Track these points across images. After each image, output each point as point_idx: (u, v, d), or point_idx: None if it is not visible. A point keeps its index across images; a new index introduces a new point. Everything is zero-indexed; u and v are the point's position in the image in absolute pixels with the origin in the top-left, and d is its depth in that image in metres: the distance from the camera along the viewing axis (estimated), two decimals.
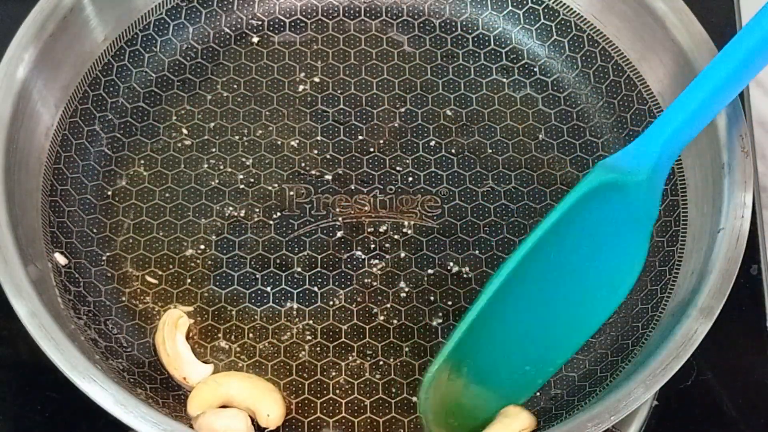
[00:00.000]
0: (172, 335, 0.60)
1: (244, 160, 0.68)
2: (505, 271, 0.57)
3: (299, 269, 0.64)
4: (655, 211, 0.61)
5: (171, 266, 0.64)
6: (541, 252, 0.57)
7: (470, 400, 0.59)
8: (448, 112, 0.69)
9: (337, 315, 0.63)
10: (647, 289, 0.63)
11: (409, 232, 0.65)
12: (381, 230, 0.65)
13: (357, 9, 0.73)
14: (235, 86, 0.70)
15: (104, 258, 0.64)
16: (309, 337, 0.62)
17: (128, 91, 0.69)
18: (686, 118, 0.57)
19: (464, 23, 0.73)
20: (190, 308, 0.62)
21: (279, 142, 0.68)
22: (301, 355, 0.62)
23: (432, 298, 0.64)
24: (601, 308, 0.62)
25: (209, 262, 0.64)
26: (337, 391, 0.61)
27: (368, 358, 0.62)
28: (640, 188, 0.58)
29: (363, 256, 0.65)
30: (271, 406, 0.58)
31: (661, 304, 0.61)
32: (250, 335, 0.62)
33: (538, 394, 0.61)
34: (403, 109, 0.70)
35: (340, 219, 0.66)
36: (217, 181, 0.67)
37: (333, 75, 0.71)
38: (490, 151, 0.68)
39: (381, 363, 0.62)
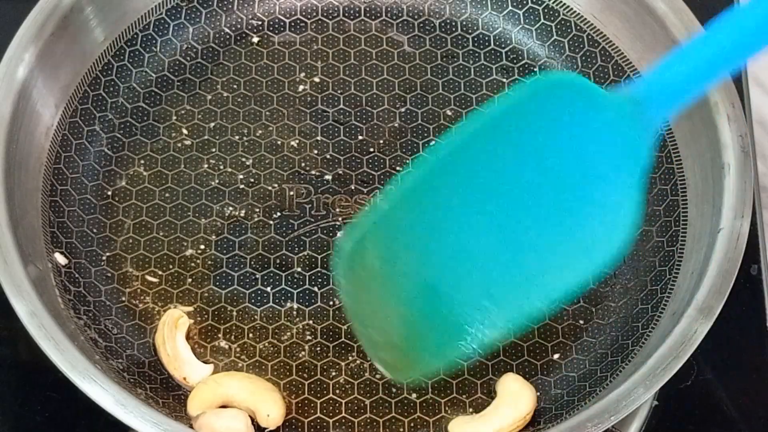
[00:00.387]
0: (173, 335, 0.60)
1: (244, 160, 0.68)
2: (451, 142, 0.50)
3: (299, 269, 0.64)
4: (644, 158, 0.53)
5: (171, 266, 0.64)
6: (496, 144, 0.51)
7: (400, 306, 0.53)
8: (448, 112, 0.70)
9: (337, 315, 0.63)
10: (647, 289, 0.63)
11: None
12: None
13: (357, 9, 0.73)
14: (235, 86, 0.70)
15: (104, 258, 0.64)
16: (309, 337, 0.62)
17: (128, 91, 0.69)
18: (691, 65, 0.52)
19: (464, 23, 0.73)
20: (190, 308, 0.62)
21: (279, 142, 0.68)
22: (301, 355, 0.62)
23: None
24: (585, 260, 0.54)
25: (209, 262, 0.64)
26: (337, 391, 0.61)
27: (368, 359, 0.62)
28: (620, 110, 0.52)
29: None
30: (271, 407, 0.58)
31: (661, 304, 0.61)
32: (250, 335, 0.62)
33: (537, 394, 0.61)
34: (403, 109, 0.70)
35: (340, 219, 0.66)
36: (217, 181, 0.67)
37: (333, 75, 0.71)
38: None
39: None
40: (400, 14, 0.73)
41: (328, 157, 0.68)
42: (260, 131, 0.69)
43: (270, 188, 0.67)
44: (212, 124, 0.69)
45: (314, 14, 0.73)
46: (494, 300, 0.53)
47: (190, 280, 0.64)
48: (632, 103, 0.52)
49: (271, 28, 0.72)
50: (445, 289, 0.53)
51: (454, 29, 0.72)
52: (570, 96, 0.52)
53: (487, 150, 0.51)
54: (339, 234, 0.65)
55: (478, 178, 0.51)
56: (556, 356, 0.62)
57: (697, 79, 0.52)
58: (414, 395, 0.61)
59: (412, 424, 0.60)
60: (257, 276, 0.64)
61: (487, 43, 0.72)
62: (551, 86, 0.52)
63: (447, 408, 0.60)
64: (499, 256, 0.53)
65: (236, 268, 0.64)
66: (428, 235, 0.52)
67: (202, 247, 0.65)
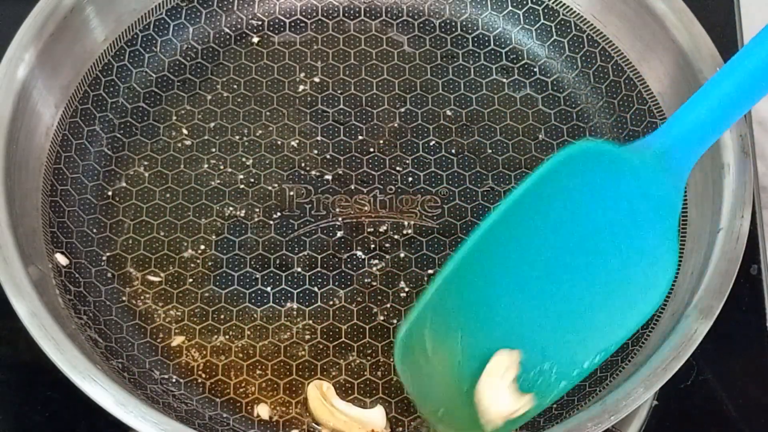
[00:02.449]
0: (333, 405, 0.59)
1: (244, 160, 0.68)
2: (494, 217, 0.52)
3: (299, 269, 0.64)
4: (678, 204, 0.56)
5: (171, 266, 0.64)
6: (536, 212, 0.53)
7: (463, 377, 0.54)
8: (448, 112, 0.70)
9: (337, 315, 0.63)
10: None
11: (409, 232, 0.65)
12: (381, 230, 0.65)
13: (357, 9, 0.73)
14: (235, 86, 0.70)
15: (104, 258, 0.64)
16: (309, 337, 0.62)
17: (128, 91, 0.69)
18: (708, 110, 0.54)
19: (464, 23, 0.73)
20: (329, 382, 0.61)
21: (279, 142, 0.68)
22: (301, 355, 0.62)
23: None
24: (629, 309, 0.56)
25: (209, 263, 0.64)
26: (337, 391, 0.61)
27: (368, 358, 0.62)
28: (648, 167, 0.54)
29: (363, 256, 0.65)
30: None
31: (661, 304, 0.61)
32: (250, 335, 0.62)
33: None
34: (403, 109, 0.70)
35: (340, 219, 0.66)
36: (217, 181, 0.67)
37: (333, 75, 0.71)
38: (490, 151, 0.68)
39: (381, 363, 0.62)
40: (400, 14, 0.73)
41: (328, 157, 0.68)
42: (260, 131, 0.69)
43: (270, 188, 0.67)
44: (212, 124, 0.69)
45: (314, 14, 0.73)
46: (552, 362, 0.55)
47: (190, 280, 0.64)
48: (657, 158, 0.54)
49: (271, 28, 0.72)
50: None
51: (454, 29, 0.73)
52: (598, 163, 0.54)
53: (528, 222, 0.53)
54: (339, 234, 0.65)
55: (523, 248, 0.53)
56: None
57: (719, 120, 0.55)
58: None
59: (412, 425, 0.60)
60: (257, 276, 0.64)
61: (487, 43, 0.72)
62: (579, 156, 0.53)
63: None
64: (552, 320, 0.55)
65: (236, 268, 0.64)
66: (482, 308, 0.54)
67: (202, 247, 0.65)
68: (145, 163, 0.67)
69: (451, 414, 0.54)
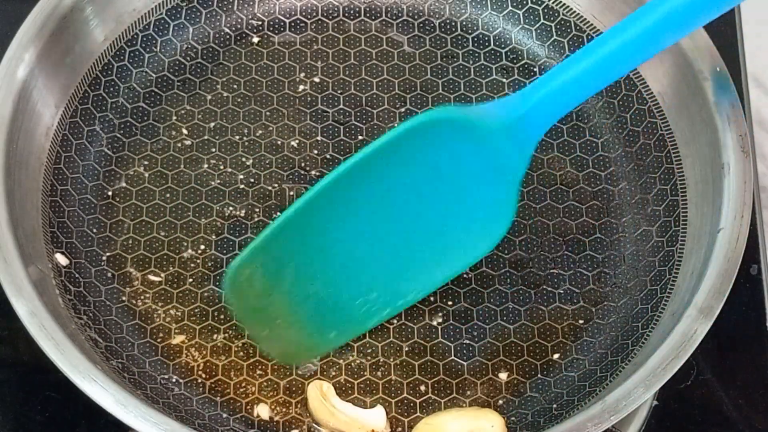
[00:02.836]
0: (333, 405, 0.59)
1: (244, 160, 0.68)
2: (338, 171, 0.55)
3: None
4: (521, 167, 0.59)
5: (171, 266, 0.64)
6: (380, 171, 0.56)
7: (291, 308, 0.59)
8: None
9: None
10: (647, 289, 0.63)
11: None
12: None
13: (357, 9, 0.73)
14: (235, 86, 0.70)
15: (104, 258, 0.64)
16: None
17: (128, 91, 0.69)
18: (566, 82, 0.56)
19: (464, 23, 0.73)
20: (329, 382, 0.61)
21: (279, 142, 0.68)
22: None
23: (432, 298, 0.64)
24: (464, 251, 0.61)
25: (209, 263, 0.64)
26: (337, 391, 0.61)
27: (368, 358, 0.62)
28: (494, 135, 0.57)
29: None
30: (491, 418, 0.58)
31: (661, 304, 0.61)
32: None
33: (537, 394, 0.61)
34: (403, 109, 0.70)
35: None
36: (217, 181, 0.67)
37: (333, 75, 0.71)
38: None
39: (381, 363, 0.62)
40: (400, 14, 0.73)
41: (328, 157, 0.68)
42: (260, 131, 0.69)
43: (270, 188, 0.67)
44: (212, 124, 0.69)
45: (314, 14, 0.73)
46: (378, 293, 0.61)
47: (190, 280, 0.64)
48: (505, 128, 0.57)
49: (271, 28, 0.72)
50: (333, 290, 0.60)
51: (454, 29, 0.72)
52: (447, 129, 0.56)
53: (372, 175, 0.56)
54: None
55: (364, 197, 0.57)
56: (556, 356, 0.62)
57: (571, 97, 0.57)
58: (413, 395, 0.61)
59: (412, 424, 0.60)
60: None
61: (487, 43, 0.72)
62: (430, 123, 0.56)
63: (447, 408, 0.60)
64: (384, 259, 0.60)
65: None
66: (315, 249, 0.58)
67: (202, 247, 0.65)
68: (145, 163, 0.67)
69: (276, 335, 0.60)
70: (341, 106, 0.70)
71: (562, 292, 0.64)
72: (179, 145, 0.68)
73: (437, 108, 0.56)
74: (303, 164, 0.68)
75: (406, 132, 0.55)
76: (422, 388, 0.61)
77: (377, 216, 0.58)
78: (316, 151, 0.68)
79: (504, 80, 0.71)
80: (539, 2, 0.72)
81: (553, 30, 0.71)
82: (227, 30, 0.72)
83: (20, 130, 0.62)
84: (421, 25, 0.73)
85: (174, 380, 0.61)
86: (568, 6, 0.71)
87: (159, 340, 0.62)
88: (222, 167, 0.67)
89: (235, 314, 0.61)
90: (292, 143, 0.68)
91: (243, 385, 0.61)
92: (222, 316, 0.63)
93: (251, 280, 0.57)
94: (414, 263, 0.61)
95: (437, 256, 0.61)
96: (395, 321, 0.63)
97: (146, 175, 0.67)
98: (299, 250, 0.57)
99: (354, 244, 0.59)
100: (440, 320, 0.63)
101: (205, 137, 0.68)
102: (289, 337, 0.60)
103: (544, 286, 0.64)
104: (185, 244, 0.65)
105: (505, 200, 0.60)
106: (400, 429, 0.60)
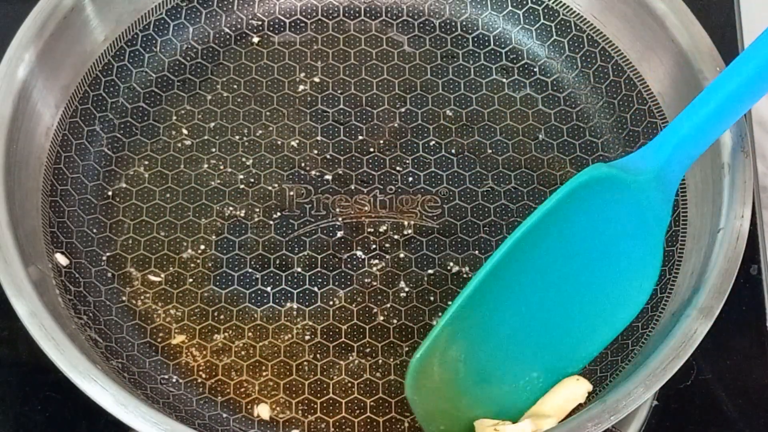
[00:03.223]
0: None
1: (244, 160, 0.68)
2: (498, 256, 0.55)
3: (299, 269, 0.64)
4: (666, 216, 0.59)
5: (171, 266, 0.64)
6: (539, 244, 0.56)
7: (465, 398, 0.58)
8: (448, 112, 0.70)
9: (337, 315, 0.63)
10: None
11: (409, 232, 0.65)
12: (381, 230, 0.65)
13: (357, 9, 0.73)
14: (235, 86, 0.70)
15: (104, 258, 0.64)
16: (309, 337, 0.62)
17: (128, 91, 0.69)
18: (697, 124, 0.56)
19: (464, 23, 0.73)
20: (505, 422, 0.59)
21: (279, 142, 0.68)
22: (301, 355, 0.62)
23: (432, 298, 0.64)
24: (614, 317, 0.60)
25: (209, 263, 0.64)
26: (337, 391, 0.61)
27: (368, 358, 0.62)
28: (645, 189, 0.57)
29: (363, 256, 0.65)
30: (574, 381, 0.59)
31: (661, 304, 0.61)
32: (250, 335, 0.62)
33: None
34: (403, 109, 0.70)
35: (340, 219, 0.66)
36: (217, 181, 0.67)
37: (333, 75, 0.71)
38: (490, 151, 0.68)
39: (381, 363, 0.62)
40: (400, 14, 0.73)
41: (328, 157, 0.68)
42: (260, 131, 0.69)
43: (270, 188, 0.67)
44: (212, 124, 0.69)
45: (314, 14, 0.73)
46: (540, 372, 0.59)
47: (190, 280, 0.64)
48: (654, 177, 0.57)
49: (271, 28, 0.72)
50: (502, 373, 0.58)
51: (454, 29, 0.73)
52: (600, 189, 0.56)
53: (533, 251, 0.56)
54: (339, 234, 0.65)
55: (527, 276, 0.57)
56: None
57: (710, 131, 0.57)
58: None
59: (412, 425, 0.60)
60: (257, 276, 0.64)
61: (486, 43, 0.72)
62: (584, 186, 0.55)
63: None
64: (545, 336, 0.58)
65: (236, 268, 0.64)
66: (485, 334, 0.57)
67: (203, 247, 0.65)
68: (145, 163, 0.67)
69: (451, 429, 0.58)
70: (341, 106, 0.70)
71: None
72: (179, 145, 0.68)
73: (589, 168, 0.55)
74: (303, 164, 0.68)
75: (566, 195, 0.55)
76: None
77: (538, 289, 0.57)
78: (316, 151, 0.68)
79: (504, 80, 0.71)
80: (539, 2, 0.72)
81: (553, 30, 0.71)
82: (227, 30, 0.72)
83: (20, 130, 0.62)
84: (421, 25, 0.73)
85: (174, 380, 0.61)
86: (568, 6, 0.71)
87: (159, 340, 0.62)
88: (222, 167, 0.67)
89: (417, 410, 0.57)
90: (292, 143, 0.68)
91: (243, 385, 0.61)
92: (222, 316, 0.63)
93: (431, 369, 0.56)
94: (571, 335, 0.59)
95: (591, 323, 0.60)
96: (395, 321, 0.63)
97: (146, 175, 0.67)
98: (470, 337, 0.57)
99: (518, 322, 0.57)
100: None
101: (205, 137, 0.68)
102: (460, 428, 0.58)
103: None
104: (185, 244, 0.65)
105: (651, 252, 0.59)
106: (400, 429, 0.60)
